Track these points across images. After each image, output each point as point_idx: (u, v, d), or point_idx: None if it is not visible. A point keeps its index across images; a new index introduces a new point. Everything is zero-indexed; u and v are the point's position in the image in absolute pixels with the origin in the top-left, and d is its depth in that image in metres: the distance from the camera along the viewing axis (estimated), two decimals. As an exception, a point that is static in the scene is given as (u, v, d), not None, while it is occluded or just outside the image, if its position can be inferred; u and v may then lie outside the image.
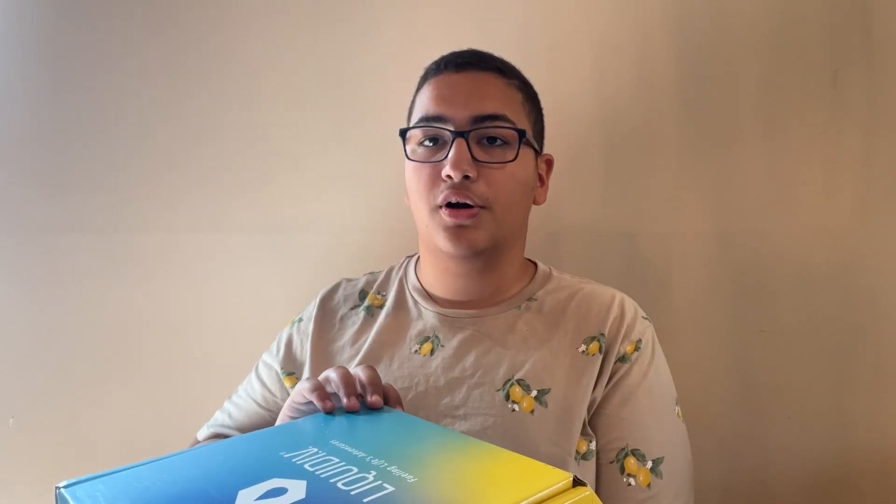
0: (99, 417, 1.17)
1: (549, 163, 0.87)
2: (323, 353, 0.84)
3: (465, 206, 0.75)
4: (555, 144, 0.88)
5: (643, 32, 1.06)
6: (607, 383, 0.76)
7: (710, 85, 1.04)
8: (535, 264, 0.88)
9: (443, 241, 0.77)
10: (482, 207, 0.75)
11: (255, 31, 1.14)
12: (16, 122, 1.19)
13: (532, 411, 0.74)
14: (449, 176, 0.74)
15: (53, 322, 1.18)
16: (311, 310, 0.88)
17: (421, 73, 0.84)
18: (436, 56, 0.83)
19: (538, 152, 0.84)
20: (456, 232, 0.76)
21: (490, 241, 0.77)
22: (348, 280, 0.91)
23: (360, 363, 0.79)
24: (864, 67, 1.00)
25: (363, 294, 0.88)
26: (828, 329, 1.02)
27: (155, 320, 1.16)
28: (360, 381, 0.64)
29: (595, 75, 1.07)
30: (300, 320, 0.89)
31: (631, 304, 0.81)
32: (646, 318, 0.81)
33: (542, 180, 0.85)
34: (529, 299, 0.82)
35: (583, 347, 0.77)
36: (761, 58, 1.03)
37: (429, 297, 0.84)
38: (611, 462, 0.75)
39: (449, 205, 0.75)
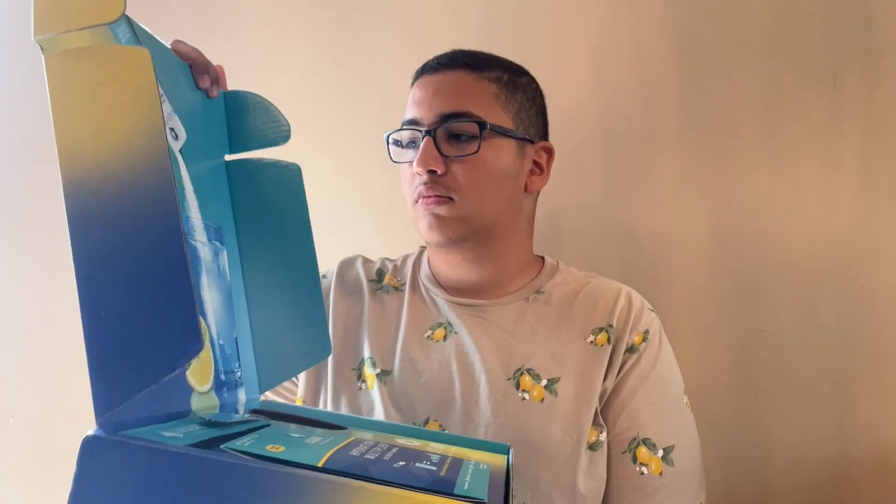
0: (99, 417, 1.16)
1: (549, 151, 0.86)
2: (344, 303, 0.87)
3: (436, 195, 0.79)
4: (555, 144, 0.88)
5: (643, 32, 1.06)
6: (617, 373, 0.78)
7: (710, 85, 1.04)
8: (543, 259, 0.89)
9: (424, 231, 0.80)
10: (450, 198, 0.78)
11: (254, 30, 1.14)
12: (16, 122, 1.19)
13: (542, 400, 0.76)
14: (418, 172, 0.78)
15: (53, 322, 1.18)
16: (332, 271, 0.91)
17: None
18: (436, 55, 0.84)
19: (525, 140, 0.82)
20: (431, 221, 0.79)
21: (467, 229, 0.79)
22: (366, 259, 0.93)
23: (402, 342, 0.82)
24: (864, 67, 1.00)
25: (381, 273, 0.90)
26: (828, 329, 1.02)
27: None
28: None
29: (595, 75, 1.07)
30: (323, 276, 0.90)
31: (637, 297, 0.83)
32: (652, 310, 0.83)
33: (541, 169, 0.85)
34: (537, 291, 0.84)
35: (591, 338, 0.79)
36: (761, 58, 1.03)
37: (438, 285, 0.86)
38: (623, 452, 0.77)
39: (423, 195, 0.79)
